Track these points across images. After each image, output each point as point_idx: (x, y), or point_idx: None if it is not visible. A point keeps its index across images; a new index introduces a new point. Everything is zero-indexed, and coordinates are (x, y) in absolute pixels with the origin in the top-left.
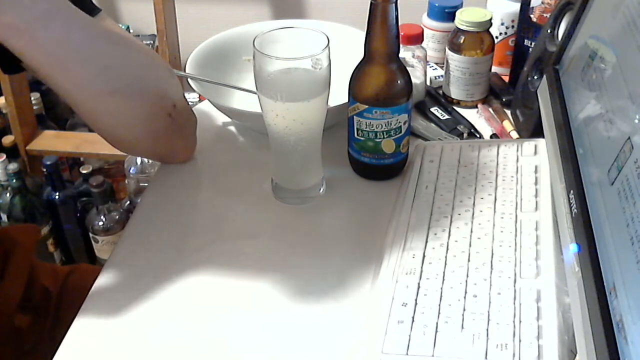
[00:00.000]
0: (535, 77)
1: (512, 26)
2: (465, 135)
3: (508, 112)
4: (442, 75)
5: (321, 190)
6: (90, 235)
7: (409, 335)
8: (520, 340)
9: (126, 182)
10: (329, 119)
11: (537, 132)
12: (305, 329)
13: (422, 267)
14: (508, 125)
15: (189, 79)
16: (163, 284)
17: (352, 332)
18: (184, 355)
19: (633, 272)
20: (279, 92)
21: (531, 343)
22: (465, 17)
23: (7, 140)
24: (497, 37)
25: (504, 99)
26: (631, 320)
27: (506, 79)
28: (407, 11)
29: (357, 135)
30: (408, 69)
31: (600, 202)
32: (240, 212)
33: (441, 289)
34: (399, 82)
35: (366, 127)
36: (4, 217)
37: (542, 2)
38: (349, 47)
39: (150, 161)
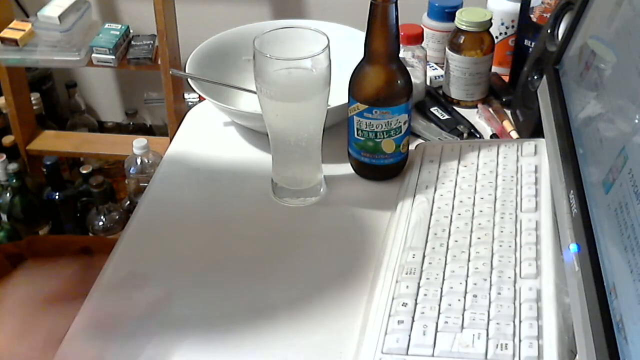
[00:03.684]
0: (535, 77)
1: (512, 26)
2: (465, 135)
3: (508, 112)
4: (442, 75)
5: (321, 190)
6: (90, 235)
7: (409, 335)
8: (520, 340)
9: (126, 182)
10: (329, 119)
11: (537, 132)
12: (305, 328)
13: (422, 267)
14: (508, 125)
15: (189, 79)
16: (162, 284)
17: (352, 332)
18: (183, 354)
19: (633, 272)
20: (279, 92)
21: (531, 343)
22: (465, 17)
23: (7, 140)
24: (497, 37)
25: (504, 99)
26: (631, 321)
27: (506, 79)
28: (407, 11)
29: (357, 135)
30: (408, 69)
31: (600, 203)
32: (240, 212)
33: (441, 289)
34: (399, 82)
35: (366, 127)
36: (4, 217)
37: (542, 2)
38: (349, 47)
39: (150, 161)
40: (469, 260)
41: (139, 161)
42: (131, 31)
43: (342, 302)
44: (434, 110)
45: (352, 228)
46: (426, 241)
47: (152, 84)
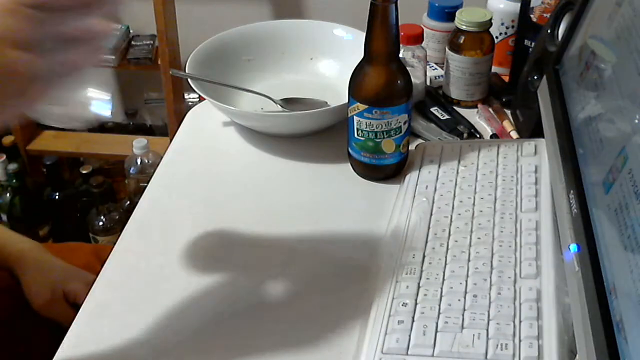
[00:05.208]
0: (535, 77)
1: (512, 26)
2: (465, 135)
3: (508, 112)
4: (442, 75)
5: (109, 109)
6: (90, 235)
7: (409, 335)
8: (520, 340)
9: (126, 182)
10: (329, 119)
11: (537, 132)
12: (305, 328)
13: (422, 267)
14: (508, 125)
15: (189, 79)
16: (161, 284)
17: (352, 332)
18: (181, 354)
19: (633, 272)
20: None
21: (531, 343)
22: (465, 17)
23: (7, 140)
24: (497, 37)
25: (504, 99)
26: (631, 321)
27: (506, 79)
28: (407, 11)
29: (357, 135)
30: (408, 69)
31: (600, 203)
32: (239, 212)
33: (441, 289)
34: (399, 82)
35: (366, 127)
36: (4, 217)
37: (542, 2)
38: (349, 47)
39: (150, 161)
40: (469, 260)
41: (139, 161)
42: (131, 31)
43: (341, 302)
44: (434, 110)
45: (352, 228)
46: (426, 241)
47: (152, 84)
